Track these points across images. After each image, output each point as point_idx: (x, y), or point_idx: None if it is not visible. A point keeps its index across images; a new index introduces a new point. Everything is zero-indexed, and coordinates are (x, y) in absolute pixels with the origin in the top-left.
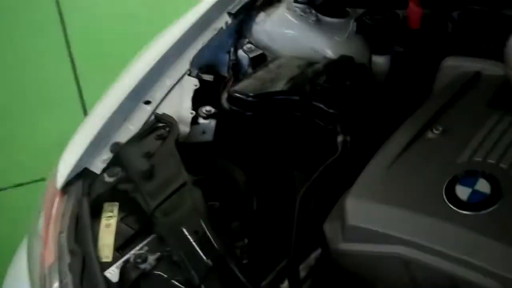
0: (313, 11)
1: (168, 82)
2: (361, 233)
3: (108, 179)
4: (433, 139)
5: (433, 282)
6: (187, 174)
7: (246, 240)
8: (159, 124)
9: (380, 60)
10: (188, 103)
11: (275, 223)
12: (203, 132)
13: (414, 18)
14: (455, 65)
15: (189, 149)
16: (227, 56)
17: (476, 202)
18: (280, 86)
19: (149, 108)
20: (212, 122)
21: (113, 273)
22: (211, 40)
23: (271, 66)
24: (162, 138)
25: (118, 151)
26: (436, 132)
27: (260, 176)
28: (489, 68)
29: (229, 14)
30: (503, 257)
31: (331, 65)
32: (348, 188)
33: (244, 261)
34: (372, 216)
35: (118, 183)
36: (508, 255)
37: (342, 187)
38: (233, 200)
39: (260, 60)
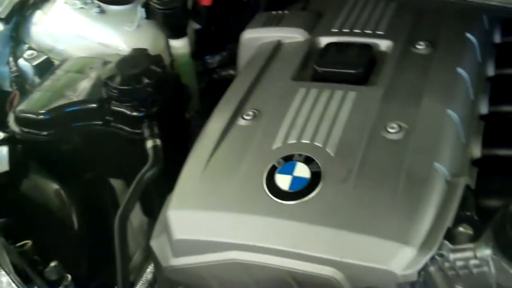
0: (95, 1)
1: None
2: (191, 246)
3: None
4: (245, 126)
5: (274, 280)
6: None
7: (69, 278)
8: None
9: (178, 44)
10: None
11: (99, 242)
12: None
13: None
14: (255, 37)
15: None
16: (7, 69)
17: (298, 190)
18: (73, 95)
19: None
20: (3, 149)
21: None
22: None
23: (59, 72)
24: None
25: None
26: (247, 118)
27: (76, 191)
28: (289, 35)
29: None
30: (333, 241)
31: (123, 62)
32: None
33: None
34: (198, 226)
35: None
36: (338, 238)
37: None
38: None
39: (46, 67)
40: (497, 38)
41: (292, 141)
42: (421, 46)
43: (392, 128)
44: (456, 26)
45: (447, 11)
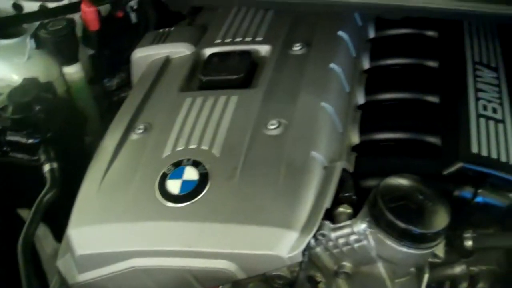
0: None
1: None
2: (93, 260)
3: None
4: (137, 140)
5: (176, 281)
6: None
7: None
8: None
9: (71, 70)
10: None
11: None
12: None
13: (91, 19)
14: (145, 55)
15: None
16: None
17: (188, 192)
18: None
19: None
20: None
21: None
22: None
23: None
24: None
25: None
26: (138, 131)
27: None
28: (176, 50)
29: None
30: (223, 236)
31: (14, 92)
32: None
33: None
34: (98, 240)
35: None
36: (227, 232)
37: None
38: None
39: None
40: (371, 34)
41: (180, 148)
42: (297, 48)
43: (272, 124)
44: (329, 26)
45: (321, 13)
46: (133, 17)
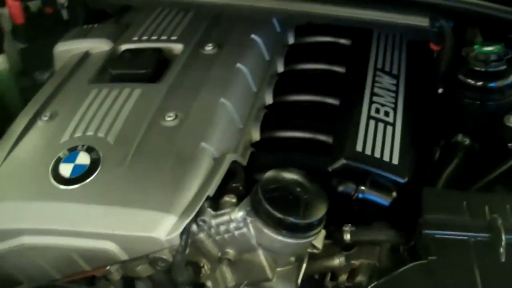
0: None
1: None
2: None
3: None
4: (42, 127)
5: (63, 260)
6: None
7: None
8: None
9: None
10: None
11: None
12: None
13: (15, 13)
14: (66, 50)
15: None
16: None
17: (78, 175)
18: None
19: None
20: None
21: None
22: None
23: None
24: None
25: None
26: (44, 118)
27: None
28: (96, 46)
29: None
30: (106, 217)
31: None
32: None
33: None
34: None
35: None
36: (110, 214)
37: None
38: None
39: None
40: (290, 40)
41: (78, 134)
42: (209, 48)
43: (169, 116)
44: (243, 29)
45: (238, 16)
46: (64, 13)
